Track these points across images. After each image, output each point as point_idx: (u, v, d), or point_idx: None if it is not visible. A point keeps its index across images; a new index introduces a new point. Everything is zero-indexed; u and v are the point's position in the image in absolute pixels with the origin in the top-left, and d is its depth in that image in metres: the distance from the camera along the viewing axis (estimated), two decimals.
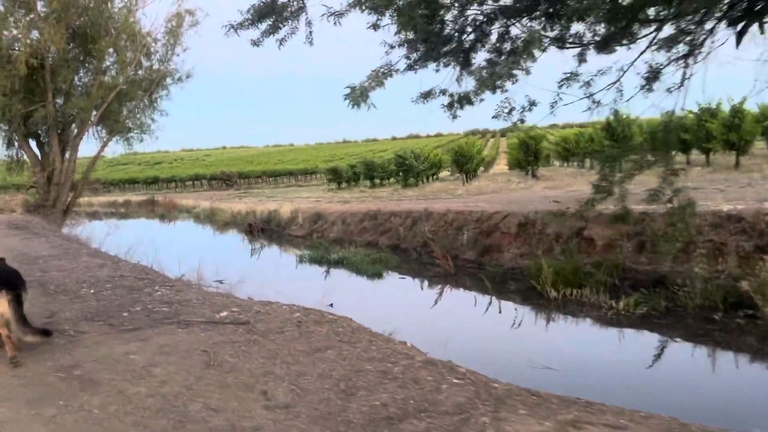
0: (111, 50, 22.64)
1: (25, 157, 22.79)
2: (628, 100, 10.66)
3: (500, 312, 10.02)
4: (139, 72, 23.72)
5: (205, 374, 3.84)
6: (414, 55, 9.47)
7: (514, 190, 21.17)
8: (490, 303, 10.51)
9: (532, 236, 11.79)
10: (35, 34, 21.11)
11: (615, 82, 10.47)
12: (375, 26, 9.23)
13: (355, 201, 23.84)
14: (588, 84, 10.43)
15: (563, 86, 10.15)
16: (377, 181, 35.92)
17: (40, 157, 22.47)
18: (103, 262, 8.63)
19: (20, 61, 19.71)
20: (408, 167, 31.10)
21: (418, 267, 14.00)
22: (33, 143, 22.61)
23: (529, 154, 28.19)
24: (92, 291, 6.46)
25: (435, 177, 37.02)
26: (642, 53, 10.06)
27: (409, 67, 9.50)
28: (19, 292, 4.18)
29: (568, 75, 10.14)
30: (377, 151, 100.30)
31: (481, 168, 39.01)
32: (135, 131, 23.80)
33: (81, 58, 23.25)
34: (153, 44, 23.83)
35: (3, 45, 20.89)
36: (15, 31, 21.30)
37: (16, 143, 22.79)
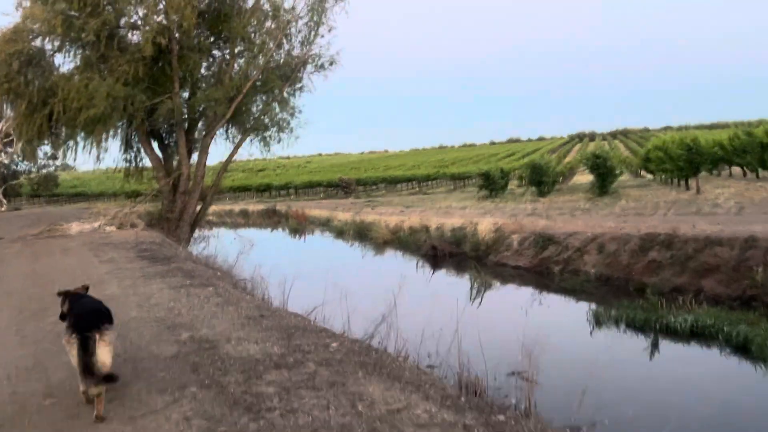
0: (246, 31, 18.31)
1: (146, 160, 18.91)
2: None
3: None
4: (275, 57, 19.21)
5: None
6: None
7: None
8: None
9: None
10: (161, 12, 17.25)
11: None
12: None
13: (554, 214, 18.03)
14: None
15: None
16: (544, 188, 29.61)
17: (163, 161, 18.55)
18: (406, 404, 3.58)
19: (146, 40, 15.78)
20: (607, 171, 24.77)
21: None
22: (155, 144, 18.73)
23: None
24: None
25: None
26: None
27: None
28: (86, 335, 3.18)
29: None
30: (487, 155, 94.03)
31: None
32: (272, 129, 19.32)
33: (210, 40, 19.21)
34: (294, 23, 19.34)
35: (127, 24, 17.19)
36: (140, 10, 17.43)
37: (134, 145, 19.01)
